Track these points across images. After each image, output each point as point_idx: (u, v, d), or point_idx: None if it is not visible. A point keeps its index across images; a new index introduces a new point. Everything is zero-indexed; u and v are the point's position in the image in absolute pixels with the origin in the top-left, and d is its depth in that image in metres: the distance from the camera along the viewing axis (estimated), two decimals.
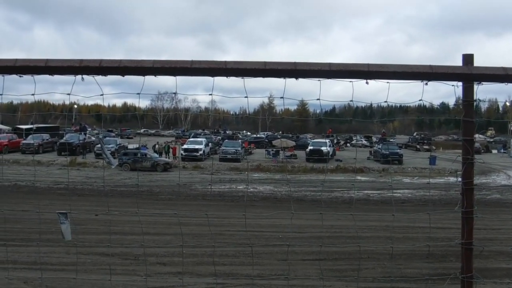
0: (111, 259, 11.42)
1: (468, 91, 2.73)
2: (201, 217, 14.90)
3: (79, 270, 10.10)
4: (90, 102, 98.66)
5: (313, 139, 54.09)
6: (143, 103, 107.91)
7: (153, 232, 13.79)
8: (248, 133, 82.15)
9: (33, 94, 2.92)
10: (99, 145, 38.74)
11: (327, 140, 47.43)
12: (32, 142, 40.92)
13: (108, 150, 37.55)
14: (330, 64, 2.45)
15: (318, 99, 2.88)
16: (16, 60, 2.44)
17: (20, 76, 2.51)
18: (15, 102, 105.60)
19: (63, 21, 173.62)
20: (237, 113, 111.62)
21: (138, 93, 2.93)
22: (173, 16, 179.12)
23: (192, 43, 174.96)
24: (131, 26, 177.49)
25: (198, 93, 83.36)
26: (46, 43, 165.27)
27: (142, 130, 79.03)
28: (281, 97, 2.88)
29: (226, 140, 48.04)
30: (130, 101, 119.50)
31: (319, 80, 2.59)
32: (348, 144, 64.30)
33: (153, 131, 77.67)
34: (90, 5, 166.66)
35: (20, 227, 13.22)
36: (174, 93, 2.95)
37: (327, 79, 2.56)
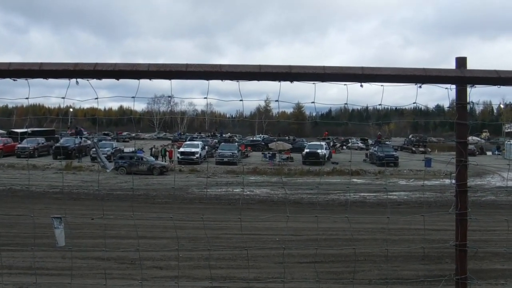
0: (107, 263, 11.40)
1: (461, 94, 2.74)
2: (198, 220, 14.87)
3: (74, 275, 10.06)
4: (86, 106, 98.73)
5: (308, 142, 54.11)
6: (139, 107, 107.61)
7: (150, 236, 13.75)
8: (230, 135, 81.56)
9: (27, 98, 2.89)
10: (94, 149, 38.65)
11: (323, 143, 47.48)
12: (27, 146, 40.76)
13: (103, 153, 37.46)
14: (324, 67, 2.45)
15: (313, 102, 2.86)
16: (10, 63, 2.41)
17: (14, 80, 2.49)
18: (10, 105, 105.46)
19: (59, 24, 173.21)
20: (233, 116, 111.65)
21: (133, 97, 2.89)
22: (170, 19, 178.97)
23: (189, 46, 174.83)
24: (128, 29, 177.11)
25: (194, 96, 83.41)
26: (42, 46, 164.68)
27: (125, 133, 77.97)
28: (276, 100, 2.87)
29: (223, 143, 48.04)
30: (126, 104, 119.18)
31: (313, 83, 2.58)
32: (344, 147, 64.35)
33: (133, 134, 76.48)
34: (87, 8, 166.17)
35: (15, 232, 13.19)
36: (169, 96, 2.92)
37: (322, 82, 2.55)
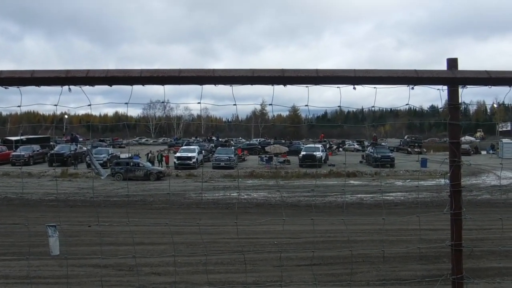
0: (104, 270, 11.35)
1: (453, 95, 2.75)
2: (196, 225, 14.88)
3: (72, 283, 10.02)
4: (81, 112, 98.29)
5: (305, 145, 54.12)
6: (135, 112, 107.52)
7: (147, 242, 13.70)
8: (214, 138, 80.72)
9: (19, 106, 2.89)
10: (89, 156, 38.62)
11: (319, 145, 47.60)
12: (22, 153, 40.60)
13: (99, 160, 37.35)
14: (317, 71, 2.46)
15: (307, 105, 2.84)
16: (1, 72, 2.42)
17: (5, 88, 2.50)
18: (4, 113, 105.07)
19: (53, 31, 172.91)
20: (229, 120, 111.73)
21: (126, 103, 2.86)
22: (165, 24, 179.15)
23: (185, 51, 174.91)
24: (122, 35, 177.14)
25: (190, 101, 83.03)
26: (36, 53, 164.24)
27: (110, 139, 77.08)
28: (270, 104, 2.88)
29: (219, 147, 48.02)
30: (121, 110, 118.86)
31: (306, 86, 2.59)
32: (340, 149, 64.47)
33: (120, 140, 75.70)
34: (81, 14, 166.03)
35: (11, 241, 13.08)
36: (163, 102, 2.93)
37: (315, 85, 2.57)
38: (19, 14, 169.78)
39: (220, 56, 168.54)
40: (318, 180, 33.47)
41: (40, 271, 11.16)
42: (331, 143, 68.41)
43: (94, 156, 38.43)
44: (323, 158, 42.68)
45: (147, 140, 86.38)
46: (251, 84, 2.51)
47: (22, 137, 47.35)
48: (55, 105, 2.84)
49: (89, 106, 2.95)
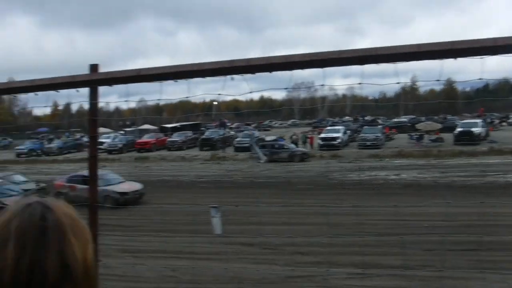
0: (251, 248, 11.73)
1: None
2: (340, 206, 14.57)
3: (221, 259, 10.48)
4: (228, 98, 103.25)
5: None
6: (279, 95, 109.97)
7: (292, 222, 13.80)
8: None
9: (187, 97, 3.26)
10: (238, 139, 40.60)
11: (478, 121, 43.37)
12: (176, 139, 44.47)
13: (245, 144, 39.01)
14: (495, 39, 2.19)
15: (480, 79, 2.65)
16: (176, 66, 2.71)
17: (175, 81, 2.80)
18: (161, 103, 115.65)
19: (203, 23, 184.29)
20: (376, 98, 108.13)
21: (286, 88, 3.09)
22: (310, 4, 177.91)
23: (330, 30, 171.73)
24: (268, 20, 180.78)
25: (336, 82, 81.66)
26: (188, 46, 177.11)
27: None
28: (437, 80, 2.66)
29: (366, 127, 46.63)
30: (266, 94, 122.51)
31: (481, 57, 2.34)
32: (504, 123, 58.04)
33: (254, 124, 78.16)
34: (228, 4, 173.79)
35: (168, 219, 14.17)
36: (322, 85, 3.08)
37: (492, 56, 2.31)
38: (174, 10, 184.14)
39: (366, 33, 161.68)
40: (476, 159, 30.43)
41: (193, 247, 11.97)
42: (492, 117, 61.99)
43: (245, 139, 40.35)
44: (482, 134, 38.77)
45: (274, 122, 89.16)
46: (417, 60, 2.46)
47: (176, 124, 51.63)
48: (219, 94, 3.12)
49: (238, 92, 3.17)
